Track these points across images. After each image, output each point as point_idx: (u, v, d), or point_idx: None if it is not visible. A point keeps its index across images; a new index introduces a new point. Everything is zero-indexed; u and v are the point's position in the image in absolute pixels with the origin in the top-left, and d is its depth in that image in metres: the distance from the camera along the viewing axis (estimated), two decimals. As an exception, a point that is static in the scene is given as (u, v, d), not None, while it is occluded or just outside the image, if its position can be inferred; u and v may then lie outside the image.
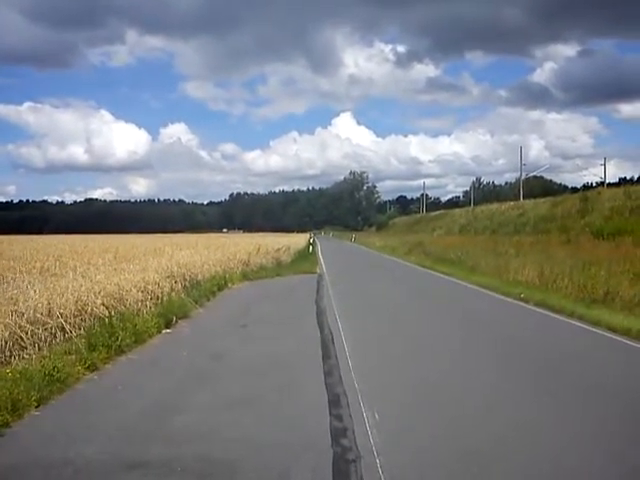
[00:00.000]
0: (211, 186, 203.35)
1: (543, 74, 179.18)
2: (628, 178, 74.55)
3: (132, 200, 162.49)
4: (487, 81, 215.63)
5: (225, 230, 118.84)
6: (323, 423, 5.67)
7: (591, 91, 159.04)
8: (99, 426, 5.57)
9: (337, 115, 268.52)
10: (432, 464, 4.77)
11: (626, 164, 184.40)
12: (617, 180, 69.43)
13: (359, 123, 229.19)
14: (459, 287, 19.75)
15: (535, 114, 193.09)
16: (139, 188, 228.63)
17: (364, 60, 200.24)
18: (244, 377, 7.50)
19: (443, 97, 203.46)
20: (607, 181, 55.61)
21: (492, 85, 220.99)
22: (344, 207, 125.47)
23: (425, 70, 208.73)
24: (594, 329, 11.15)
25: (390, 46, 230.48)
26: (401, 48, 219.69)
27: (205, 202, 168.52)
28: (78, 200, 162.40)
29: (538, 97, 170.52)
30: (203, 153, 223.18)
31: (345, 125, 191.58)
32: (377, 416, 5.85)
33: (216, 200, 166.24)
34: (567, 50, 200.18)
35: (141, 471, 4.51)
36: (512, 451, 5.06)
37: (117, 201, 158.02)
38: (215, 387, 7.04)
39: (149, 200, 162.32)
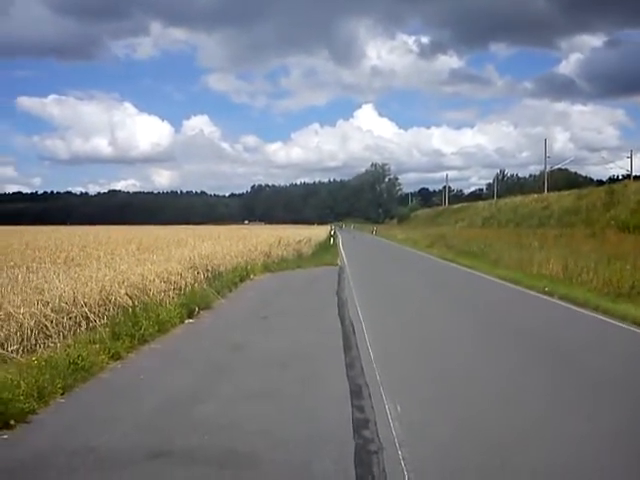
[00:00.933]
0: (233, 178, 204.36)
1: (569, 65, 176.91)
2: (656, 171, 73.12)
3: (155, 192, 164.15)
4: (511, 73, 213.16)
5: (246, 222, 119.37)
6: (345, 414, 5.65)
7: (618, 82, 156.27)
8: (122, 415, 5.62)
9: (359, 107, 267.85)
10: (453, 456, 4.73)
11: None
12: (644, 172, 67.96)
13: (381, 115, 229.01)
14: (482, 280, 19.58)
15: (560, 106, 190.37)
16: (162, 180, 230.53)
17: (387, 52, 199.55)
18: (265, 368, 7.50)
19: (466, 89, 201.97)
20: (634, 174, 54.46)
21: (516, 77, 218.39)
22: (365, 199, 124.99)
23: (449, 62, 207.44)
24: (620, 324, 10.96)
25: (413, 37, 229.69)
26: (424, 39, 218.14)
27: (227, 194, 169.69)
28: (102, 191, 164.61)
29: (563, 89, 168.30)
30: (225, 145, 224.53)
31: (367, 117, 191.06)
32: (399, 408, 5.82)
33: (238, 192, 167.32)
34: (593, 41, 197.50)
35: (164, 460, 4.53)
36: (533, 444, 4.99)
37: (140, 193, 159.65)
38: (236, 378, 7.05)
39: (172, 192, 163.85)
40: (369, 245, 47.91)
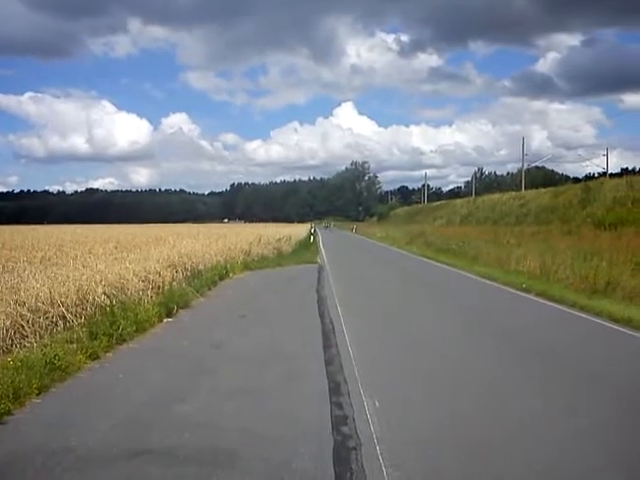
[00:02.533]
0: (212, 176, 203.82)
1: (546, 64, 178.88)
2: (630, 168, 74.28)
3: (133, 190, 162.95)
4: (490, 71, 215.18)
5: (226, 220, 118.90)
6: (324, 411, 5.67)
7: (594, 81, 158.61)
8: (100, 414, 5.57)
9: (338, 105, 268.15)
10: (432, 452, 4.77)
11: (628, 154, 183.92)
12: (619, 170, 69.15)
13: (361, 113, 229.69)
14: (461, 277, 19.73)
15: (538, 104, 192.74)
16: (140, 178, 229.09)
17: (366, 50, 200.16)
18: (245, 366, 7.49)
19: (445, 87, 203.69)
20: (609, 171, 55.31)
21: (495, 75, 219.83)
22: (345, 197, 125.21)
23: (428, 60, 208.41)
24: (596, 319, 11.15)
25: (393, 36, 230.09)
26: (404, 38, 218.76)
27: (206, 192, 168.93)
28: (79, 190, 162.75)
29: (541, 87, 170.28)
30: (204, 143, 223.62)
31: (347, 115, 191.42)
32: (377, 404, 5.86)
33: (217, 190, 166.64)
34: (571, 40, 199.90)
35: (143, 459, 4.52)
36: (513, 440, 5.06)
37: (118, 191, 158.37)
38: (216, 376, 7.04)
39: (150, 190, 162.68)
40: (349, 243, 48.02)
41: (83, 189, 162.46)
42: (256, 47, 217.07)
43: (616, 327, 10.44)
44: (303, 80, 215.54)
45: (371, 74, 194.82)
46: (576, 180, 69.99)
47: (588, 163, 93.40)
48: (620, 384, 6.90)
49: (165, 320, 10.51)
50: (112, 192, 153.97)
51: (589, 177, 64.25)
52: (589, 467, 4.55)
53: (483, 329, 10.51)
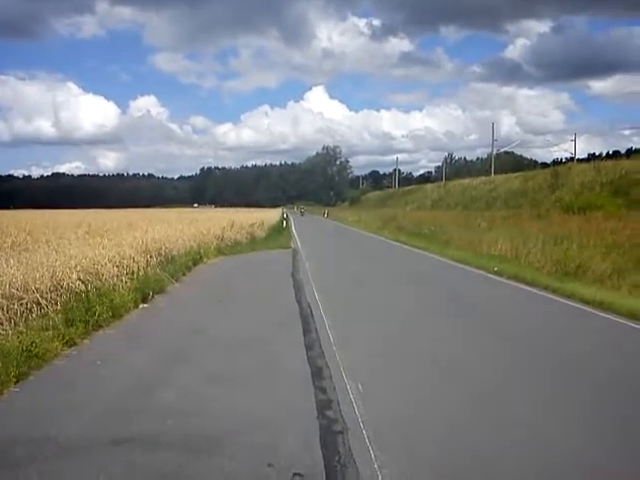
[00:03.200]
0: (181, 160, 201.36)
1: (516, 50, 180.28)
2: (597, 154, 75.66)
3: (101, 174, 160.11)
4: (460, 56, 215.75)
5: (196, 205, 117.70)
6: (307, 396, 5.67)
7: (563, 67, 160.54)
8: (81, 402, 5.48)
9: (309, 89, 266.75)
10: (418, 434, 4.81)
11: (595, 140, 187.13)
12: (586, 156, 70.34)
13: (332, 97, 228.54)
14: (434, 261, 19.91)
15: (507, 90, 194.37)
16: (108, 162, 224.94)
17: (337, 34, 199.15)
18: (225, 352, 7.45)
19: (416, 72, 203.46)
20: (577, 157, 56.16)
21: (465, 60, 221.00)
22: (317, 182, 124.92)
23: (399, 44, 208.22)
24: (568, 302, 11.36)
25: (365, 20, 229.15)
26: (376, 22, 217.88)
27: (175, 176, 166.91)
28: (45, 174, 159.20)
29: (510, 73, 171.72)
30: (173, 126, 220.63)
31: (318, 99, 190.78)
32: (361, 387, 5.88)
33: (187, 174, 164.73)
34: (540, 26, 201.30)
35: (127, 446, 4.45)
36: (489, 419, 5.14)
37: (85, 175, 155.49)
38: (196, 362, 6.96)
39: (118, 174, 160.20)
40: (321, 227, 48.00)
41: (49, 173, 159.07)
42: (226, 29, 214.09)
43: (588, 309, 10.66)
44: (274, 63, 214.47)
45: (342, 58, 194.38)
46: (544, 165, 71.04)
47: (556, 148, 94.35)
48: (595, 362, 7.05)
49: (141, 306, 10.38)
50: (79, 176, 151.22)
51: (557, 162, 65.26)
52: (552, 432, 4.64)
53: (457, 311, 10.61)
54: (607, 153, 75.17)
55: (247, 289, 12.96)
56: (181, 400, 5.55)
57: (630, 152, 63.06)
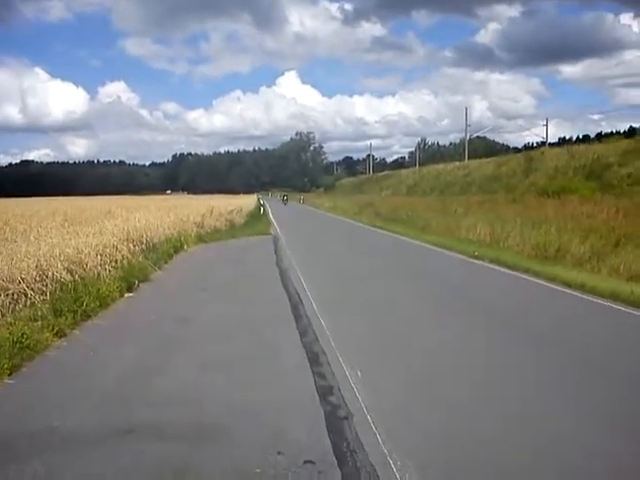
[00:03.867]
0: (153, 147, 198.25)
1: (487, 35, 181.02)
2: (567, 138, 76.70)
3: (70, 162, 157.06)
4: (432, 41, 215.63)
5: (169, 192, 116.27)
6: (307, 382, 5.68)
7: (534, 52, 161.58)
8: (78, 393, 5.39)
9: (282, 74, 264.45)
10: (419, 418, 4.85)
11: (565, 124, 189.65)
12: (557, 140, 71.24)
13: (304, 82, 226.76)
14: (414, 246, 20.02)
15: (479, 75, 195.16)
16: (77, 149, 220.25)
17: (309, 18, 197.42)
18: (217, 339, 7.40)
19: (389, 57, 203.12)
20: (548, 141, 56.86)
21: (437, 45, 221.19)
22: (291, 168, 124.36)
23: (372, 29, 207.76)
24: (551, 285, 11.53)
25: (337, 4, 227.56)
26: (348, 6, 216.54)
27: (147, 163, 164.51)
28: (14, 162, 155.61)
29: (482, 58, 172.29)
30: (144, 112, 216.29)
31: (290, 84, 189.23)
32: (359, 373, 5.90)
33: (159, 161, 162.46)
34: (510, 11, 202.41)
35: (133, 437, 4.40)
36: (485, 400, 5.20)
37: (54, 163, 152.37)
38: (189, 350, 6.91)
39: (88, 161, 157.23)
40: (298, 214, 47.92)
41: (18, 161, 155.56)
42: (196, 13, 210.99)
43: (570, 291, 10.84)
44: (246, 48, 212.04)
45: (315, 43, 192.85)
46: (516, 150, 71.86)
47: (528, 133, 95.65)
48: (583, 344, 7.19)
49: (127, 295, 10.25)
50: (48, 164, 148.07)
51: (528, 147, 65.99)
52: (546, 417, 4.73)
53: (442, 295, 10.70)
54: (577, 137, 76.33)
55: (232, 276, 12.88)
56: (179, 389, 5.50)
57: (600, 136, 63.99)
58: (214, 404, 5.12)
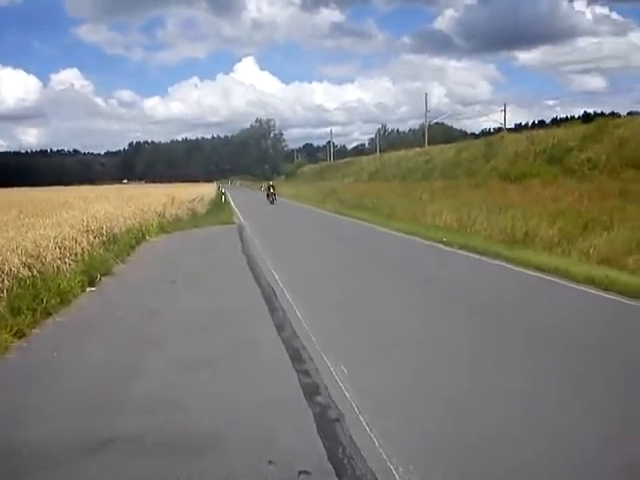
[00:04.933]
0: (108, 135, 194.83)
1: (444, 21, 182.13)
2: (524, 123, 77.85)
3: (23, 151, 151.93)
4: (391, 27, 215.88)
5: (125, 181, 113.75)
6: (292, 381, 5.35)
7: (490, 39, 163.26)
8: (47, 401, 4.94)
9: (239, 60, 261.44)
10: (417, 415, 4.58)
11: (522, 110, 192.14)
12: (513, 126, 72.18)
13: (262, 69, 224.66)
14: (382, 233, 19.82)
15: (437, 61, 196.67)
16: (30, 139, 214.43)
17: (267, 4, 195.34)
18: (191, 336, 7.01)
19: (347, 43, 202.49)
20: (505, 127, 57.48)
21: (396, 32, 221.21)
22: (251, 155, 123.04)
23: (330, 15, 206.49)
24: (525, 270, 11.43)
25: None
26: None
27: (102, 152, 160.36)
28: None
29: (440, 44, 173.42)
30: (99, 100, 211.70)
31: (248, 71, 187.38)
32: (345, 370, 5.61)
33: (114, 150, 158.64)
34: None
35: (109, 451, 3.99)
36: (473, 394, 4.99)
37: (6, 153, 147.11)
38: (162, 348, 6.50)
39: (41, 151, 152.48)
40: (261, 202, 47.22)
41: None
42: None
43: (542, 275, 10.78)
44: (202, 34, 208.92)
45: (272, 29, 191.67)
46: (474, 135, 72.60)
47: (486, 118, 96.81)
48: (562, 327, 7.06)
49: (89, 289, 9.75)
50: (0, 154, 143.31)
51: (486, 132, 66.76)
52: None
53: (417, 282, 10.51)
54: (533, 122, 77.59)
55: (199, 267, 12.43)
56: (157, 393, 5.11)
57: (555, 121, 65.11)
58: (198, 409, 4.75)
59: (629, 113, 41.00)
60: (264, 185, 64.07)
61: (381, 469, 3.73)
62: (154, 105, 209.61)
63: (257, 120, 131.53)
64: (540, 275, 10.88)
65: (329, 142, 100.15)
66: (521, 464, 3.83)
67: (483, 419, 4.52)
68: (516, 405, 4.79)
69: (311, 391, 5.10)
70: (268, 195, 41.26)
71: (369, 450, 3.99)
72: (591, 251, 12.56)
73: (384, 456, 3.90)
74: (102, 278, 10.62)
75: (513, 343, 6.63)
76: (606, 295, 9.03)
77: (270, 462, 3.81)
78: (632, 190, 17.45)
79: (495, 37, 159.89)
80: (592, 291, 9.36)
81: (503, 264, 12.28)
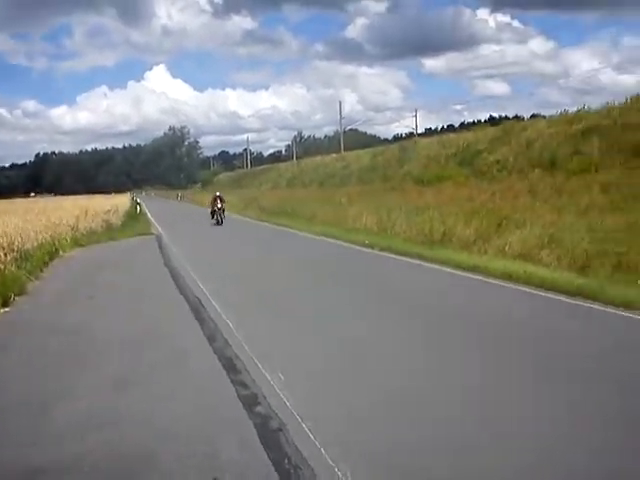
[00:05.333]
0: (13, 147, 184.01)
1: (355, 29, 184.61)
2: (433, 128, 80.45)
3: None
4: (304, 35, 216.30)
5: (33, 195, 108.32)
6: (229, 392, 5.23)
7: (399, 46, 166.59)
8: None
9: (150, 68, 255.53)
10: (359, 417, 4.60)
11: (431, 115, 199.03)
12: (424, 130, 74.49)
13: (174, 76, 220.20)
14: (305, 238, 19.93)
15: (349, 68, 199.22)
16: None
17: (178, 11, 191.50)
18: (119, 353, 6.72)
19: (260, 50, 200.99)
20: (417, 132, 59.22)
21: (309, 39, 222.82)
22: (165, 164, 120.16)
23: (242, 22, 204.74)
24: (446, 268, 11.80)
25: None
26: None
27: (7, 165, 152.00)
28: None
29: (352, 52, 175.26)
30: (2, 111, 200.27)
31: (160, 79, 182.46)
32: (282, 376, 5.55)
33: (20, 162, 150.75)
34: (376, 5, 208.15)
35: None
36: (412, 387, 5.08)
37: None
38: (90, 367, 6.21)
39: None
40: (179, 211, 46.36)
41: None
42: (57, 6, 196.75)
43: (462, 273, 11.21)
44: (111, 42, 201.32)
45: (184, 36, 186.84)
46: (388, 141, 74.38)
47: (398, 124, 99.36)
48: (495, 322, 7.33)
49: (2, 310, 9.18)
50: None
51: (399, 137, 68.54)
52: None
53: (342, 284, 10.60)
54: (442, 127, 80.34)
55: (119, 282, 11.98)
56: (89, 414, 4.85)
57: (463, 126, 67.66)
58: (134, 429, 4.54)
59: (532, 115, 43.03)
60: (179, 194, 60.80)
61: (329, 476, 3.70)
62: (61, 115, 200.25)
63: (171, 128, 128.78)
64: (460, 273, 11.25)
65: (246, 149, 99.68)
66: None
67: (420, 410, 4.60)
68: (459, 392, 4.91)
69: (250, 402, 5.00)
70: (213, 213, 27.45)
71: (315, 458, 3.94)
72: (506, 248, 13.10)
73: (330, 462, 3.87)
74: (16, 298, 10.02)
75: (430, 328, 6.81)
76: (524, 289, 9.47)
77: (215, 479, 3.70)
78: (540, 189, 18.37)
79: (404, 44, 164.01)
80: (511, 285, 9.78)
81: (425, 264, 12.61)
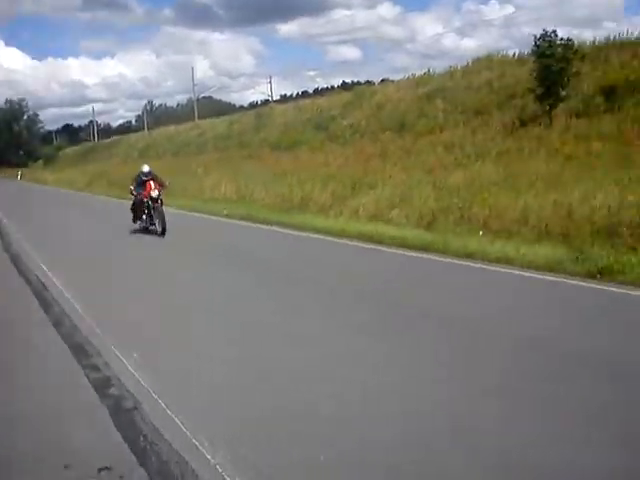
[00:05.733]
0: None
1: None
2: (289, 94, 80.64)
3: None
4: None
5: None
6: (79, 379, 4.95)
7: (251, 10, 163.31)
8: None
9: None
10: (215, 390, 4.56)
11: (286, 82, 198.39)
12: (279, 97, 74.52)
13: (8, 45, 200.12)
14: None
15: (200, 34, 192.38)
16: None
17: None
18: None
19: (104, 15, 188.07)
20: (272, 98, 59.12)
21: (156, 3, 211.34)
22: (1, 141, 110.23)
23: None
24: (302, 233, 12.02)
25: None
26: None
27: None
28: None
29: (202, 16, 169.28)
30: None
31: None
32: (136, 355, 5.35)
33: None
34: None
35: None
36: (274, 356, 5.15)
37: None
38: None
39: None
40: (20, 192, 42.62)
41: None
42: None
43: (318, 236, 11.52)
44: None
45: (17, 1, 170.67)
46: (243, 108, 73.50)
47: (253, 91, 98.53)
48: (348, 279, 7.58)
49: None
50: None
51: (254, 105, 68.00)
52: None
53: (208, 255, 10.44)
54: (297, 93, 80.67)
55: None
56: None
57: (317, 91, 68.45)
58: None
59: (382, 80, 44.44)
60: (20, 172, 56.74)
61: (187, 447, 3.64)
62: None
63: (7, 101, 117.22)
64: (316, 236, 11.51)
65: (91, 121, 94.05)
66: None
67: (276, 378, 4.65)
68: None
69: (103, 385, 4.77)
70: (140, 210, 14.45)
71: (173, 432, 3.85)
72: (360, 210, 13.56)
73: (188, 433, 3.80)
74: None
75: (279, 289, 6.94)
76: (376, 247, 9.91)
77: (66, 467, 3.49)
78: (390, 151, 19.09)
79: (256, 9, 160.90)
80: (365, 245, 10.17)
81: (282, 230, 12.73)
